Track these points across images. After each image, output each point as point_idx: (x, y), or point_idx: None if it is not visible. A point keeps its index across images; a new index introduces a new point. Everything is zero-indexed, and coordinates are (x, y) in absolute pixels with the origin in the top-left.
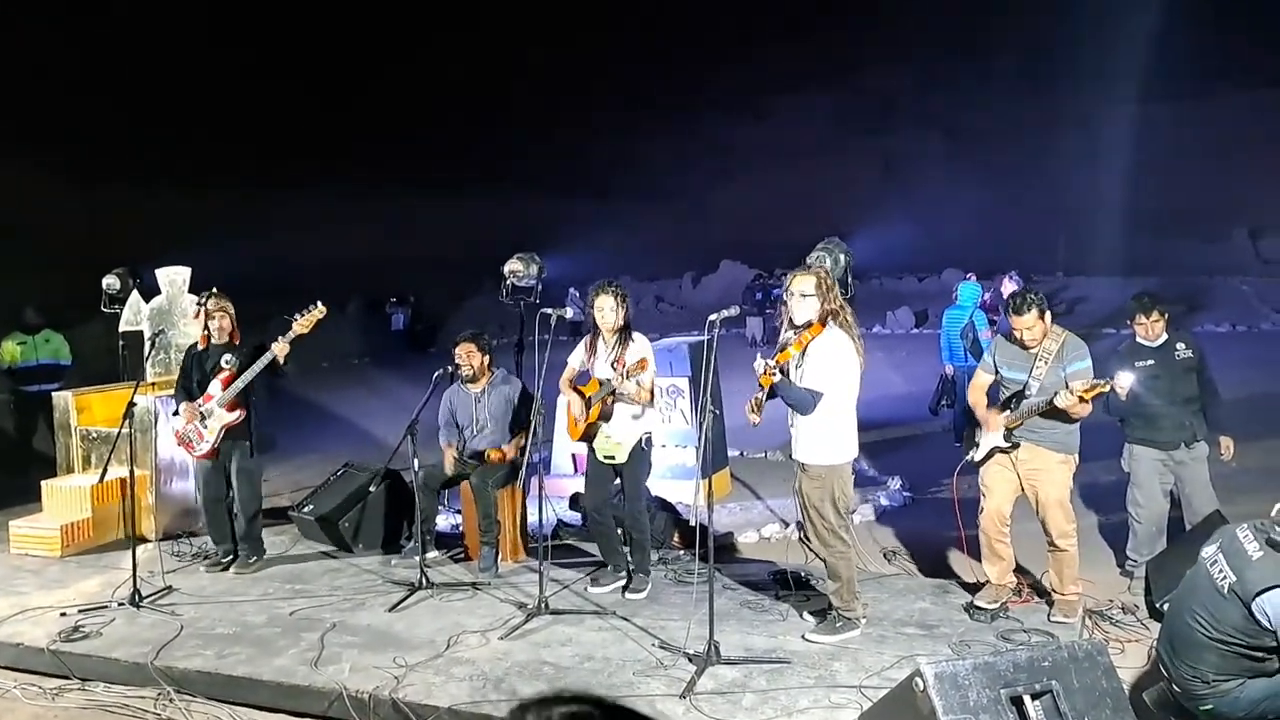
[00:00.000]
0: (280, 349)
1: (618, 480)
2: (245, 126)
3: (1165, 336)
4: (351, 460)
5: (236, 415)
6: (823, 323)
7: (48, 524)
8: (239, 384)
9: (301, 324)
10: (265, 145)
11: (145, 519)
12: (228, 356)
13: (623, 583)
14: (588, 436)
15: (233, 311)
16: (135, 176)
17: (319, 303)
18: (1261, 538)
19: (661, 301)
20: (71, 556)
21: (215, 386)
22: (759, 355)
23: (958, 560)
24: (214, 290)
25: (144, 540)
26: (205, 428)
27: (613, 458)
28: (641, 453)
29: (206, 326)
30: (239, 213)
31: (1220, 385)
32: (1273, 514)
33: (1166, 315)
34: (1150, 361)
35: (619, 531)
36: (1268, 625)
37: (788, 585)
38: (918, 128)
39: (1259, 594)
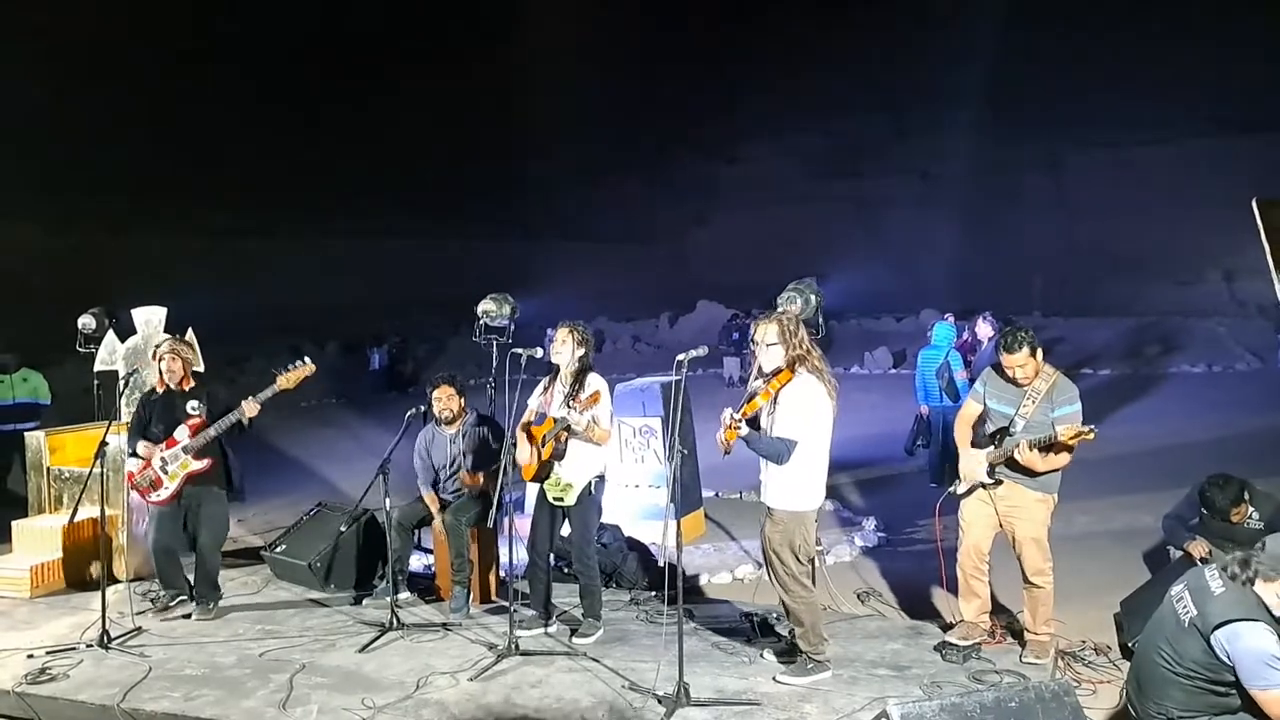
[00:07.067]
0: (251, 409)
1: (566, 524)
2: (224, 169)
3: None
4: (324, 500)
5: (204, 464)
6: (791, 368)
7: (17, 565)
8: (210, 432)
9: (286, 379)
10: (244, 188)
11: (116, 560)
12: (194, 403)
13: (542, 630)
14: (541, 476)
15: (187, 355)
16: (112, 219)
17: (306, 359)
18: (1226, 575)
19: (639, 341)
20: (41, 597)
21: (182, 433)
22: (727, 409)
23: (932, 601)
24: (185, 333)
25: (115, 581)
26: (166, 474)
27: (561, 500)
28: (590, 496)
29: (159, 369)
30: (217, 255)
31: (1196, 425)
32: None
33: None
34: None
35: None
36: (1226, 659)
37: (756, 631)
38: (894, 171)
39: (1217, 627)
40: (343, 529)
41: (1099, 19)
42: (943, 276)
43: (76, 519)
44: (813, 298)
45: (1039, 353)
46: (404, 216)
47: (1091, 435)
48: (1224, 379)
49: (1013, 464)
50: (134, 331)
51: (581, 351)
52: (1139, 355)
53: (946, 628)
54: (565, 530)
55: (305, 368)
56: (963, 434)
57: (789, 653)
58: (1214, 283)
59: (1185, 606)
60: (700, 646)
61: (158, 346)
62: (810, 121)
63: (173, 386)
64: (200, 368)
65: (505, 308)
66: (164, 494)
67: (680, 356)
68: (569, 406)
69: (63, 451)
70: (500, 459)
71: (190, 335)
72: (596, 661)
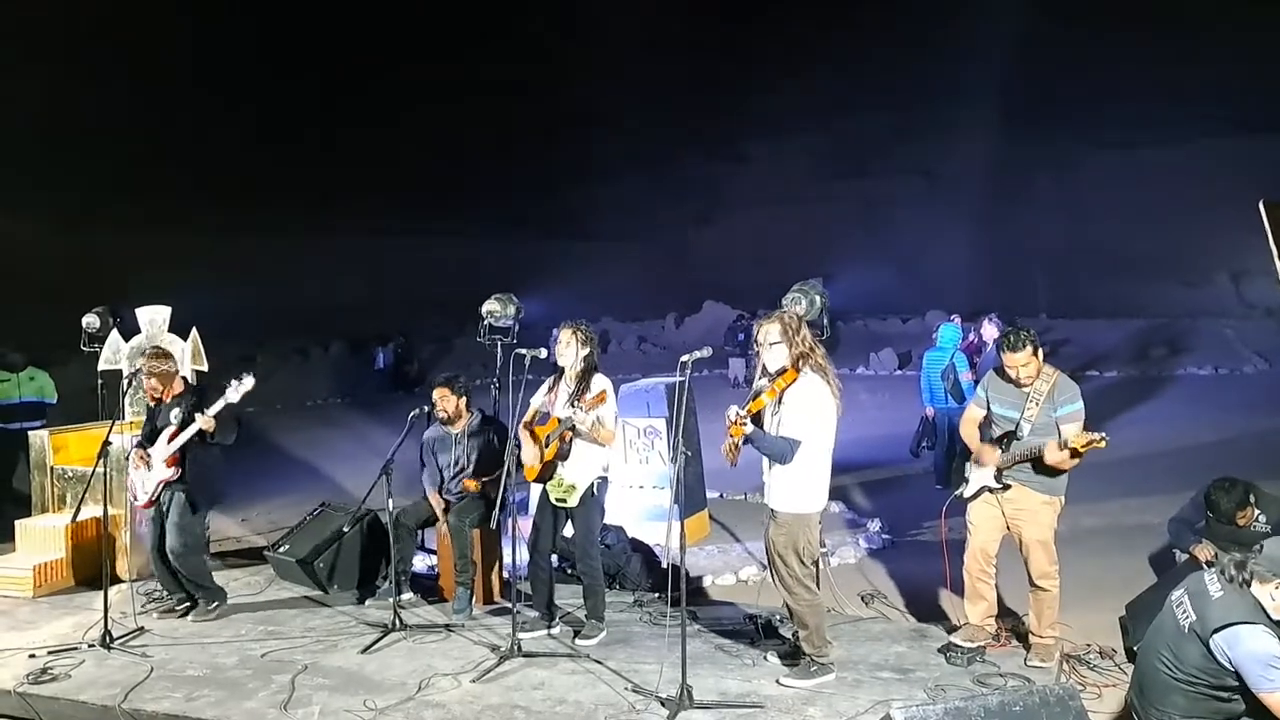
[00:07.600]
0: (206, 423)
1: (568, 525)
2: (230, 168)
3: None
4: (328, 500)
5: (172, 471)
6: (796, 368)
7: (20, 564)
8: (178, 442)
9: (235, 392)
10: (245, 188)
11: (119, 559)
12: (175, 411)
13: (545, 631)
14: (544, 477)
15: (165, 369)
16: (114, 218)
17: (250, 374)
18: (1224, 579)
19: (644, 342)
20: (44, 597)
21: (161, 439)
22: (732, 405)
23: (938, 603)
24: (189, 333)
25: (118, 581)
26: (146, 481)
27: (564, 501)
28: (593, 498)
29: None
30: (218, 255)
31: (1204, 427)
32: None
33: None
34: None
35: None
36: (1226, 664)
37: (759, 633)
38: (899, 171)
39: (1215, 631)
40: (346, 529)
41: (1105, 18)
42: (948, 278)
43: (79, 518)
44: (817, 299)
45: (1040, 353)
46: (404, 216)
47: (1103, 443)
48: (1231, 381)
49: (1031, 466)
50: (138, 331)
51: (586, 351)
52: (1146, 357)
53: (951, 630)
54: (568, 531)
55: (248, 380)
56: (970, 434)
57: (793, 655)
58: (1221, 284)
59: (1185, 611)
60: (704, 648)
61: (136, 370)
62: (814, 121)
63: (163, 399)
64: (205, 367)
65: (510, 308)
66: (143, 498)
67: (684, 357)
68: (574, 406)
69: (66, 451)
70: (504, 459)
71: (194, 335)
72: (599, 663)
